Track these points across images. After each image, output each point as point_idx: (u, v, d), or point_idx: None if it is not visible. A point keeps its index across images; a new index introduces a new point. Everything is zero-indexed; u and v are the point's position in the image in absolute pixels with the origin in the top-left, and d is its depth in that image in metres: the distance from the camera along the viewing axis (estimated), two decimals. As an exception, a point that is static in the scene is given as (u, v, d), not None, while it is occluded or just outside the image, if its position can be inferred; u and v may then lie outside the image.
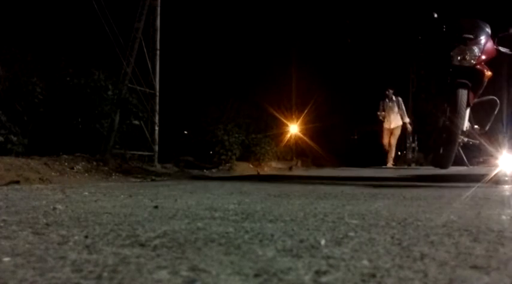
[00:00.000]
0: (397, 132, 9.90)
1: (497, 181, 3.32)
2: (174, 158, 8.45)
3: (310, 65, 14.08)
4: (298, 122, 13.15)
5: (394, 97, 9.86)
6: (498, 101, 5.17)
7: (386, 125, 9.83)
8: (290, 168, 9.61)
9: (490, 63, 4.94)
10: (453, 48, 4.79)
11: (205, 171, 7.55)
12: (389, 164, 9.72)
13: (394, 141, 9.88)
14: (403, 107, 9.89)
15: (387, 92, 9.84)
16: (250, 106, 11.50)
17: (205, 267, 0.72)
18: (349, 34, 15.52)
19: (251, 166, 9.19)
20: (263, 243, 0.92)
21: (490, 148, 5.64)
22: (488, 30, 4.90)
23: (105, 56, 7.40)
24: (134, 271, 0.69)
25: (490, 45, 4.85)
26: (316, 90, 13.33)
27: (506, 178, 3.72)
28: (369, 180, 3.68)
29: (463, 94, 4.73)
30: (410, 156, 15.18)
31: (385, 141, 9.96)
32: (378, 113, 9.87)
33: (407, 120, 9.91)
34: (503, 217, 1.34)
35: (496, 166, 6.02)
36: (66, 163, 5.41)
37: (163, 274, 0.68)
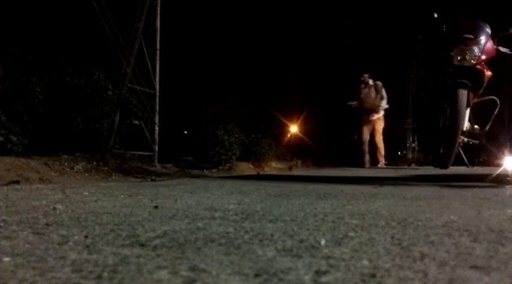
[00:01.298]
0: (380, 126, 8.28)
1: (497, 181, 3.32)
2: (174, 158, 8.46)
3: (310, 64, 14.08)
4: (298, 122, 13.16)
5: (371, 81, 8.23)
6: (498, 101, 5.17)
7: (364, 116, 8.30)
8: (290, 168, 9.61)
9: (490, 63, 4.95)
10: (453, 48, 4.79)
11: (205, 171, 7.55)
12: (381, 163, 8.37)
13: (379, 137, 8.36)
14: (384, 92, 8.18)
15: (362, 78, 8.29)
16: (250, 106, 11.51)
17: (205, 267, 0.72)
18: (349, 34, 15.53)
19: (251, 166, 9.19)
20: (263, 243, 0.92)
21: (491, 148, 5.65)
22: (488, 30, 4.90)
23: (105, 56, 7.41)
24: (134, 271, 0.69)
25: (490, 45, 4.85)
26: (316, 90, 13.33)
27: (508, 178, 3.72)
28: (369, 180, 3.68)
29: (463, 94, 4.73)
30: (410, 156, 15.19)
31: (365, 136, 8.36)
32: (349, 103, 8.41)
33: (385, 105, 8.18)
34: (503, 217, 1.33)
35: (496, 166, 6.02)
36: (66, 163, 5.40)
37: (163, 274, 0.68)
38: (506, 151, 5.88)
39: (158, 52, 8.66)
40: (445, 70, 4.91)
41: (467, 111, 5.00)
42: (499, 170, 4.91)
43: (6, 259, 0.77)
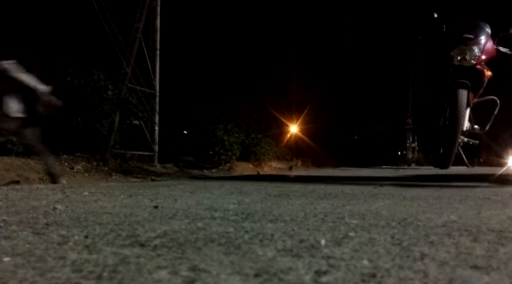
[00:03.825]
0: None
1: (497, 180, 3.32)
2: (174, 158, 8.46)
3: (310, 65, 14.08)
4: (298, 122, 13.16)
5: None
6: (498, 101, 5.16)
7: None
8: (290, 168, 9.61)
9: (490, 63, 4.94)
10: (453, 48, 4.79)
11: (205, 171, 7.55)
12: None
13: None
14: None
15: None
16: (250, 106, 11.52)
17: (205, 267, 0.72)
18: (349, 34, 15.54)
19: (251, 166, 9.19)
20: (263, 243, 0.92)
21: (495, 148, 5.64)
22: (488, 30, 4.90)
23: (105, 56, 7.42)
24: (134, 271, 0.69)
25: (490, 45, 4.85)
26: (316, 90, 13.33)
27: (509, 178, 3.72)
28: (369, 180, 3.68)
29: (463, 94, 4.73)
30: (410, 156, 15.20)
31: None
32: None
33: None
34: (503, 217, 1.33)
35: (497, 166, 6.02)
36: (66, 163, 5.40)
37: (163, 274, 0.68)
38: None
39: (158, 52, 8.66)
40: (445, 70, 4.91)
41: (467, 111, 5.00)
42: (500, 170, 4.91)
43: (6, 259, 0.77)
